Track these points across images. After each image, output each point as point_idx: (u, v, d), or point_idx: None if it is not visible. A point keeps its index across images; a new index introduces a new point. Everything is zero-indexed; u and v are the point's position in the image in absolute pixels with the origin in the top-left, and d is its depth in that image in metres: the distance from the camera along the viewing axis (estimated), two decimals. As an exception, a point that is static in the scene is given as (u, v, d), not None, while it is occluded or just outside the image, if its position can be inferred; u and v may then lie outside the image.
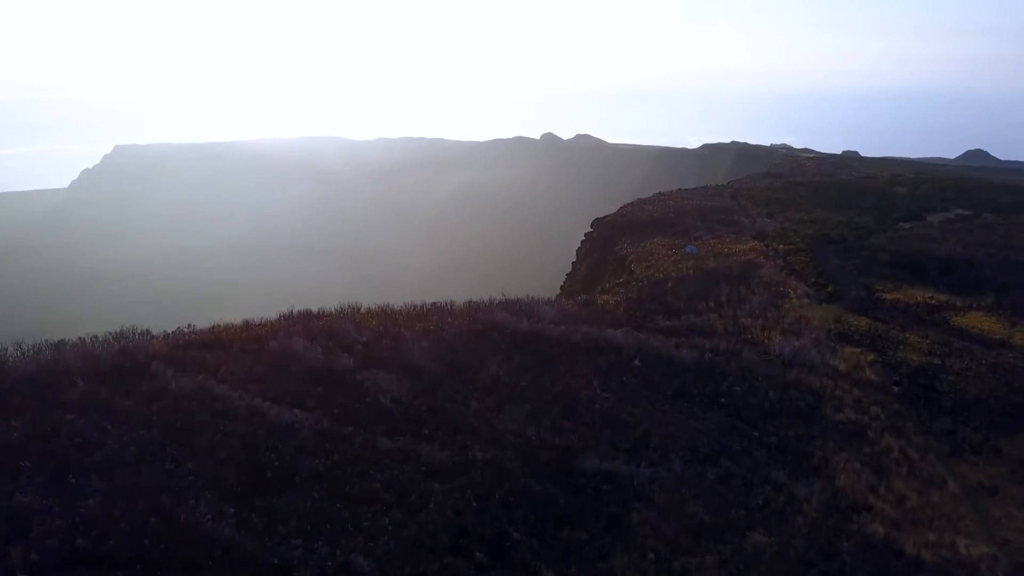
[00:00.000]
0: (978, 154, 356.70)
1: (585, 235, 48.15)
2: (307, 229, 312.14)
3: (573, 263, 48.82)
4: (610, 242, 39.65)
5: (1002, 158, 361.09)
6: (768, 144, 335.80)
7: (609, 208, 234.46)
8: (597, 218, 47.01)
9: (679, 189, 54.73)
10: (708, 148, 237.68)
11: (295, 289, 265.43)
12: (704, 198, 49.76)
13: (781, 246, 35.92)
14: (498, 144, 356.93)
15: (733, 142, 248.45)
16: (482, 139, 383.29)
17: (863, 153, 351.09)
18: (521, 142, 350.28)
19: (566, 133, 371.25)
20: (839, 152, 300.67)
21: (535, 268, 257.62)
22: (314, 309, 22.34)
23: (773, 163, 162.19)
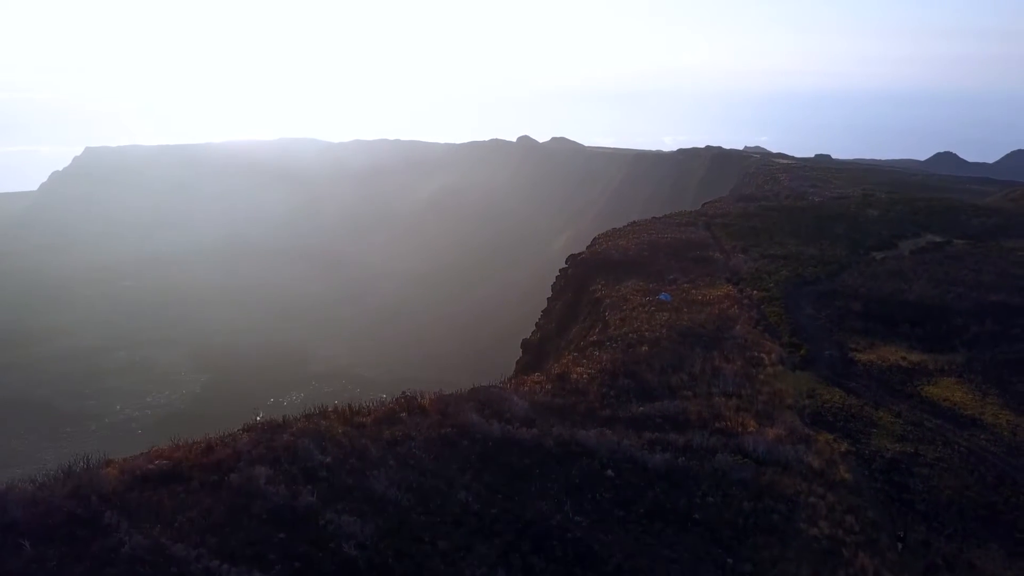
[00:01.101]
0: (947, 156, 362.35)
1: (560, 271, 47.98)
2: (283, 233, 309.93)
3: (549, 299, 48.61)
4: (584, 282, 39.54)
5: (969, 160, 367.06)
6: (742, 147, 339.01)
7: (586, 212, 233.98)
8: (572, 254, 46.79)
9: (653, 218, 54.35)
10: (683, 153, 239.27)
11: (271, 296, 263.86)
12: (678, 229, 49.62)
13: (755, 292, 35.93)
14: (475, 147, 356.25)
15: (707, 147, 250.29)
16: (458, 141, 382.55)
17: (835, 155, 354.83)
18: (498, 145, 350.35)
19: (542, 135, 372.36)
20: (812, 155, 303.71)
21: (513, 276, 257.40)
22: (279, 417, 21.62)
23: (746, 170, 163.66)
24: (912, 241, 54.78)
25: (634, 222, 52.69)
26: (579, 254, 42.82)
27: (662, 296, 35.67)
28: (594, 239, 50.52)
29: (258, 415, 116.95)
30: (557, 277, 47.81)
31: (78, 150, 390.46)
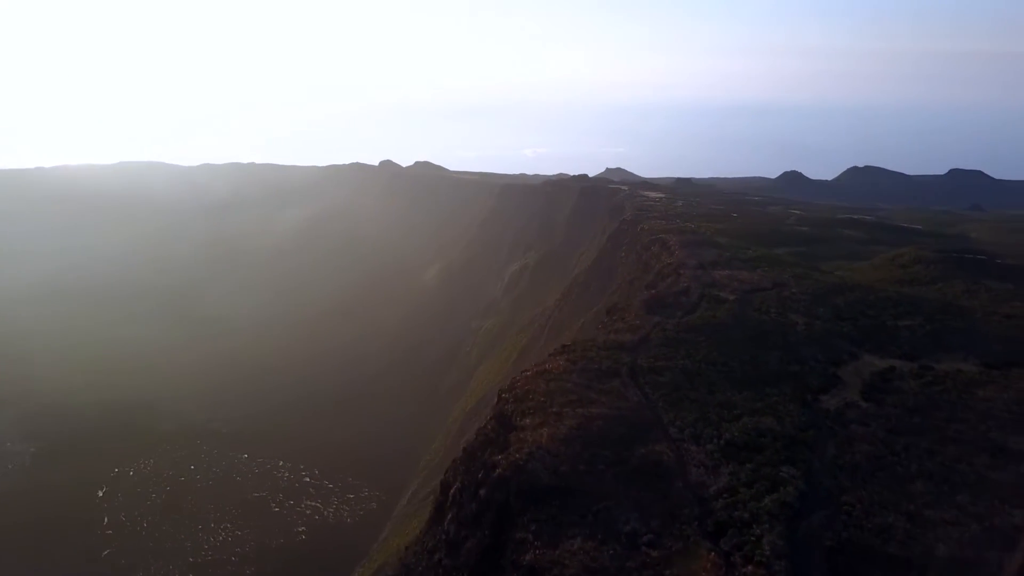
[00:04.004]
0: (794, 176, 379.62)
1: (461, 484, 36.86)
2: (123, 271, 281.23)
3: (447, 539, 37.17)
4: (504, 518, 29.59)
5: (812, 177, 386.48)
6: (604, 169, 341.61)
7: (456, 243, 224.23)
8: (487, 471, 35.73)
9: (565, 357, 44.71)
10: (552, 185, 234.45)
11: (111, 345, 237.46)
12: (602, 390, 40.34)
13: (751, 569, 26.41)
14: (335, 172, 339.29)
15: (575, 178, 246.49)
16: (316, 164, 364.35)
17: (693, 174, 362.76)
18: (359, 170, 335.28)
19: (404, 158, 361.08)
20: (674, 177, 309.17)
21: (382, 313, 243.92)
22: None
23: (614, 204, 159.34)
24: (853, 368, 48.50)
25: (543, 369, 42.90)
26: (493, 471, 32.10)
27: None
28: (500, 397, 40.52)
29: (101, 490, 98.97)
30: (458, 489, 36.40)
31: None
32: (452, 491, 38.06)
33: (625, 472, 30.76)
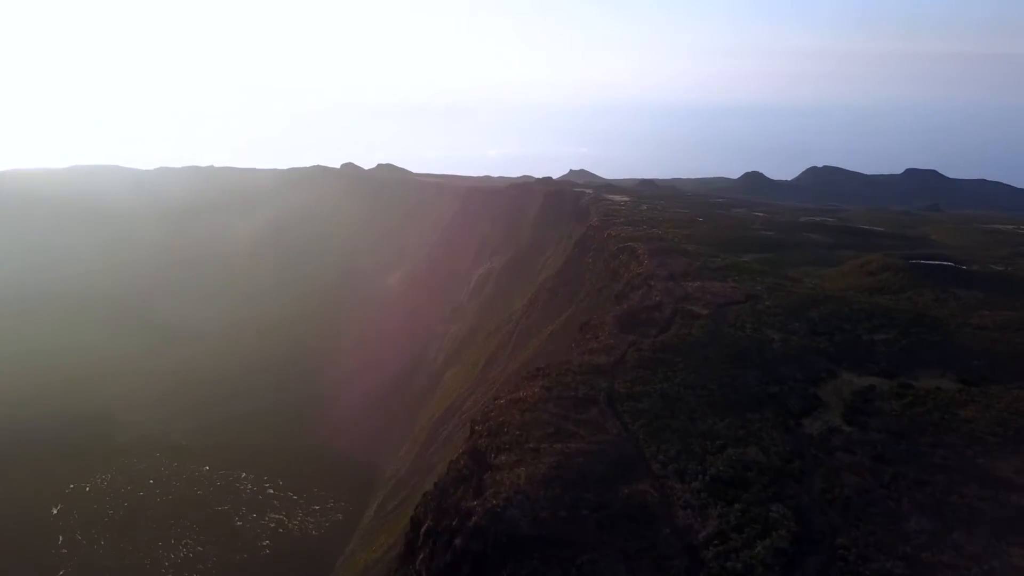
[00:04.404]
0: (755, 176, 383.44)
1: (432, 523, 34.40)
2: (77, 279, 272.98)
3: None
4: (483, 572, 27.48)
5: (773, 177, 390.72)
6: (568, 171, 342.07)
7: (420, 247, 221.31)
8: (462, 519, 33.15)
9: (540, 383, 42.90)
10: (517, 189, 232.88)
11: (63, 355, 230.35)
12: (580, 420, 38.67)
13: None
14: (295, 175, 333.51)
15: (540, 180, 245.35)
16: (274, 167, 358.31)
17: (656, 174, 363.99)
18: (320, 173, 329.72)
19: (365, 159, 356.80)
20: (637, 179, 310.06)
21: (344, 318, 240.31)
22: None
23: (587, 219, 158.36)
24: (832, 387, 47.52)
25: (518, 397, 41.10)
26: (469, 515, 29.93)
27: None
28: (474, 430, 38.63)
29: (55, 507, 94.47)
30: (430, 532, 33.63)
31: None
32: (423, 529, 36.10)
33: (609, 518, 29.06)
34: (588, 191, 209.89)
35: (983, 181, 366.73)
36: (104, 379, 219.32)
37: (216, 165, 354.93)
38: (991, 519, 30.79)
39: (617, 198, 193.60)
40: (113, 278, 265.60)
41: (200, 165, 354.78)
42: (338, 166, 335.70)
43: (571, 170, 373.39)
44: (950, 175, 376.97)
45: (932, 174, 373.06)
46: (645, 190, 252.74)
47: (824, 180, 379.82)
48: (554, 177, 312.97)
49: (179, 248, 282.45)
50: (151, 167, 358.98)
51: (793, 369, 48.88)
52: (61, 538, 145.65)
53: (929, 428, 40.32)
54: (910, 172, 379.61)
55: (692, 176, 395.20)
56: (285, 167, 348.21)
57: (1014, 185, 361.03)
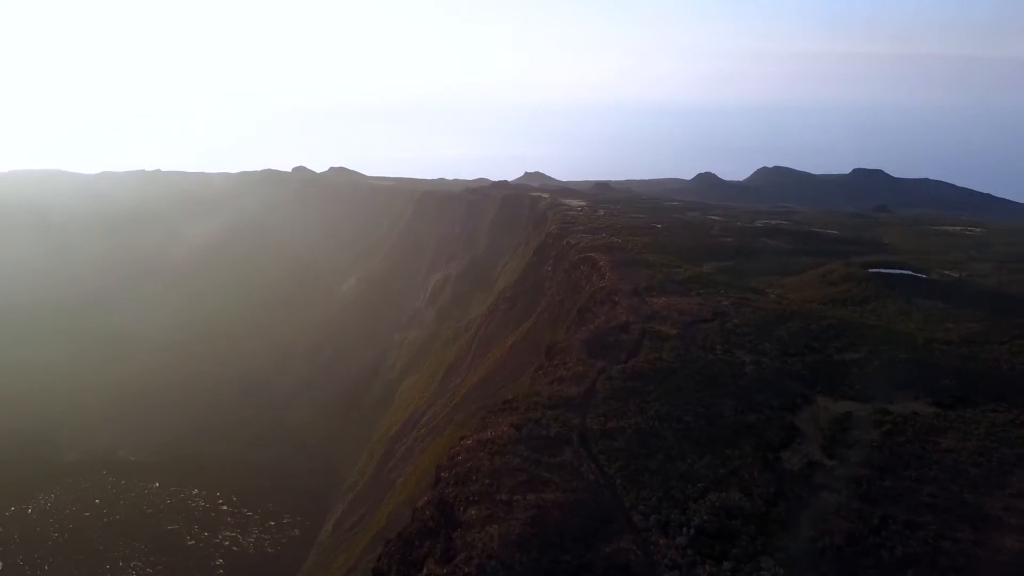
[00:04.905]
0: (708, 177, 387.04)
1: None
2: (15, 290, 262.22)
3: None
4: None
5: (725, 178, 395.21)
6: (523, 173, 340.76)
7: (375, 252, 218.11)
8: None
9: (510, 423, 40.59)
10: (474, 193, 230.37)
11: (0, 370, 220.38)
12: (550, 463, 36.48)
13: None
14: (246, 179, 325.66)
15: (495, 184, 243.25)
16: (223, 171, 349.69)
17: (610, 176, 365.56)
18: (271, 177, 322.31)
19: (317, 163, 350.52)
20: (592, 181, 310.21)
21: (297, 327, 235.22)
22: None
23: (545, 226, 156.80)
24: (808, 415, 46.15)
25: (486, 438, 38.75)
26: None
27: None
28: (439, 477, 36.17)
29: None
30: None
31: None
32: (387, 586, 33.60)
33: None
34: (545, 196, 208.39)
35: (927, 180, 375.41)
36: (47, 394, 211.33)
37: (163, 169, 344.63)
38: (989, 568, 29.44)
39: (574, 203, 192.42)
40: (55, 288, 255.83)
41: (146, 169, 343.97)
42: (290, 170, 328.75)
43: (526, 172, 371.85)
44: (895, 174, 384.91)
45: (879, 174, 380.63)
46: (601, 193, 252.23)
47: (775, 180, 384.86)
48: (509, 180, 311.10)
49: (125, 256, 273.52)
50: (94, 171, 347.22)
51: (768, 395, 47.42)
52: (1, 564, 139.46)
53: (912, 460, 39.06)
54: (857, 172, 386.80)
55: (646, 177, 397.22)
56: (235, 171, 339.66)
57: (955, 184, 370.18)
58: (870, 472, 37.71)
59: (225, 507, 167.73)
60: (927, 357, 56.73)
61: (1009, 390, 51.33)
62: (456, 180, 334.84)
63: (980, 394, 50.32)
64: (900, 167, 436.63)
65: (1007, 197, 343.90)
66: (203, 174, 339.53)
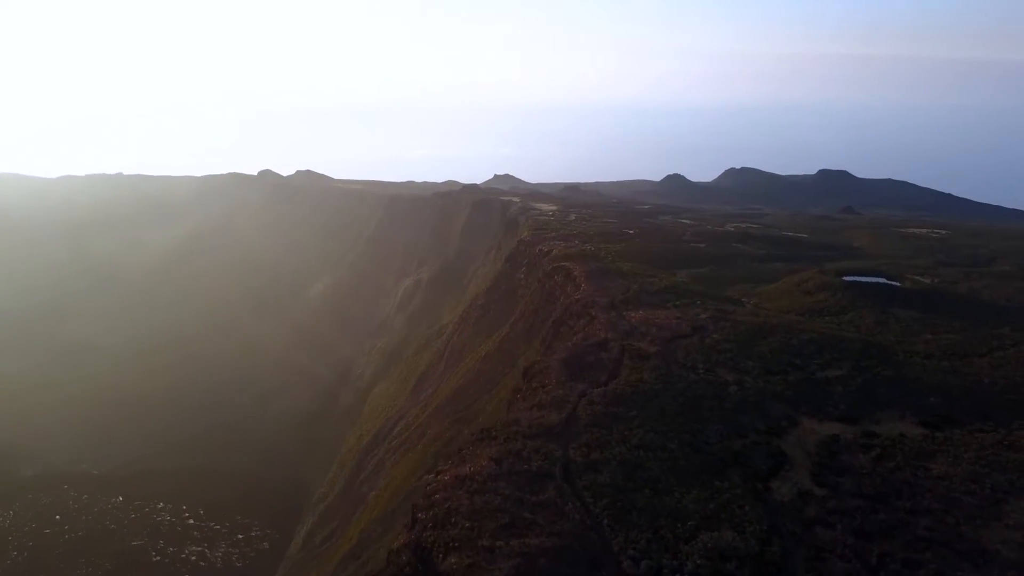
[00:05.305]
0: (676, 179, 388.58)
1: None
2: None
3: None
4: None
5: (693, 179, 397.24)
6: (492, 176, 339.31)
7: (344, 257, 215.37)
8: None
9: (491, 479, 38.73)
10: (443, 198, 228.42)
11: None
12: (532, 502, 34.76)
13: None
14: (211, 182, 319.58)
15: (465, 188, 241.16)
16: (187, 174, 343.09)
17: (579, 178, 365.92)
18: (237, 180, 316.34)
19: (284, 167, 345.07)
20: (562, 183, 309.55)
21: (264, 334, 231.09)
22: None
23: (516, 231, 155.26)
24: (795, 438, 44.96)
25: (465, 474, 36.93)
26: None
27: None
28: (415, 517, 34.23)
29: None
30: None
31: None
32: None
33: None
34: (515, 200, 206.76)
35: (890, 181, 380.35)
36: (4, 407, 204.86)
37: (125, 172, 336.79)
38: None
39: (545, 207, 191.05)
40: (11, 297, 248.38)
41: (108, 173, 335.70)
42: (255, 172, 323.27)
43: (495, 175, 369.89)
44: (859, 175, 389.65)
45: (843, 174, 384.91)
46: (571, 196, 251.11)
47: (742, 181, 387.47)
48: (479, 182, 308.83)
49: (87, 262, 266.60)
50: (54, 175, 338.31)
51: (753, 419, 46.15)
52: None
53: (904, 489, 37.95)
54: (823, 173, 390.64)
55: (615, 179, 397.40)
56: (200, 174, 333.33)
57: (918, 184, 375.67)
58: (863, 503, 36.49)
59: (192, 521, 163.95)
60: (909, 373, 55.99)
61: (992, 408, 50.74)
62: (425, 183, 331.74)
63: (965, 412, 49.61)
64: (863, 167, 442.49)
65: (967, 197, 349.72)
66: (167, 178, 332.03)
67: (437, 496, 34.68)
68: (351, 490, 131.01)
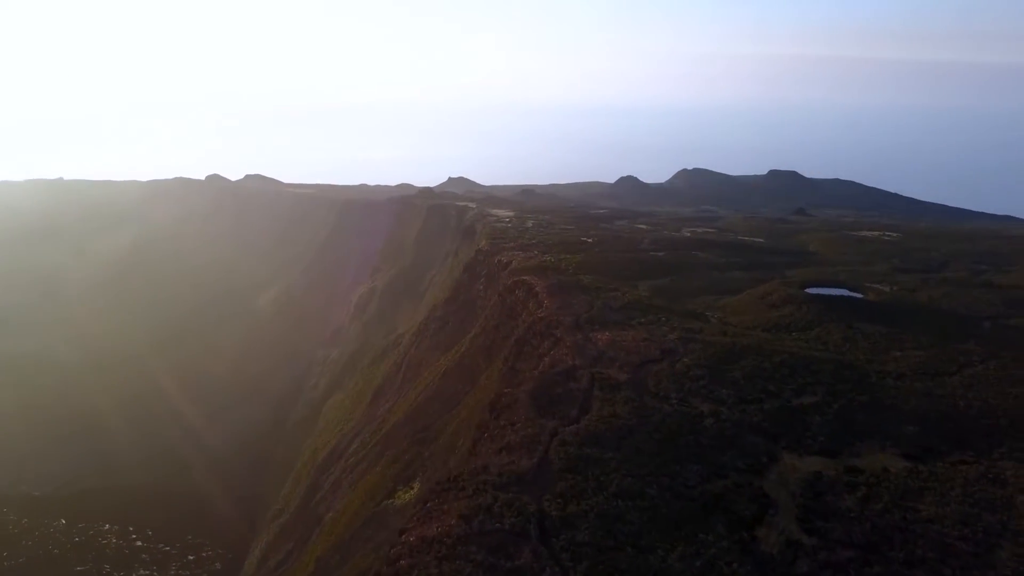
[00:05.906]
0: (630, 180, 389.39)
1: None
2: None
3: None
4: None
5: (647, 180, 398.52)
6: (447, 178, 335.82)
7: (295, 264, 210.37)
8: None
9: (460, 541, 35.93)
10: (396, 203, 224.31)
11: None
12: (507, 558, 32.20)
13: None
14: (157, 187, 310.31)
15: (421, 193, 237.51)
16: (131, 179, 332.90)
17: (534, 180, 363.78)
18: (183, 185, 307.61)
19: (232, 171, 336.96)
20: (518, 187, 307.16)
21: (213, 344, 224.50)
22: None
23: (465, 225, 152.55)
24: (776, 476, 43.07)
25: (431, 535, 34.10)
26: None
27: None
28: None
29: None
30: None
31: None
32: None
33: None
34: (472, 205, 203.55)
35: (838, 180, 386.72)
36: None
37: (66, 178, 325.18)
38: None
39: (502, 213, 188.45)
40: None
41: (47, 178, 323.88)
42: (203, 177, 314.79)
43: (450, 177, 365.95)
44: (808, 174, 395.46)
45: (793, 174, 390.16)
46: (527, 201, 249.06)
47: (695, 182, 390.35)
48: (433, 185, 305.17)
49: (27, 271, 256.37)
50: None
51: (732, 456, 44.16)
52: None
53: (895, 535, 36.23)
54: (773, 173, 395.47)
55: (569, 181, 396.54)
56: (145, 179, 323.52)
57: (864, 184, 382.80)
58: (855, 554, 34.65)
59: (140, 543, 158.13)
60: (884, 397, 54.75)
61: (969, 434, 49.66)
62: (378, 186, 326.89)
63: (943, 440, 48.42)
64: (811, 167, 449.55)
65: (913, 196, 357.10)
66: (110, 182, 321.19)
67: (402, 563, 31.83)
68: (307, 509, 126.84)
